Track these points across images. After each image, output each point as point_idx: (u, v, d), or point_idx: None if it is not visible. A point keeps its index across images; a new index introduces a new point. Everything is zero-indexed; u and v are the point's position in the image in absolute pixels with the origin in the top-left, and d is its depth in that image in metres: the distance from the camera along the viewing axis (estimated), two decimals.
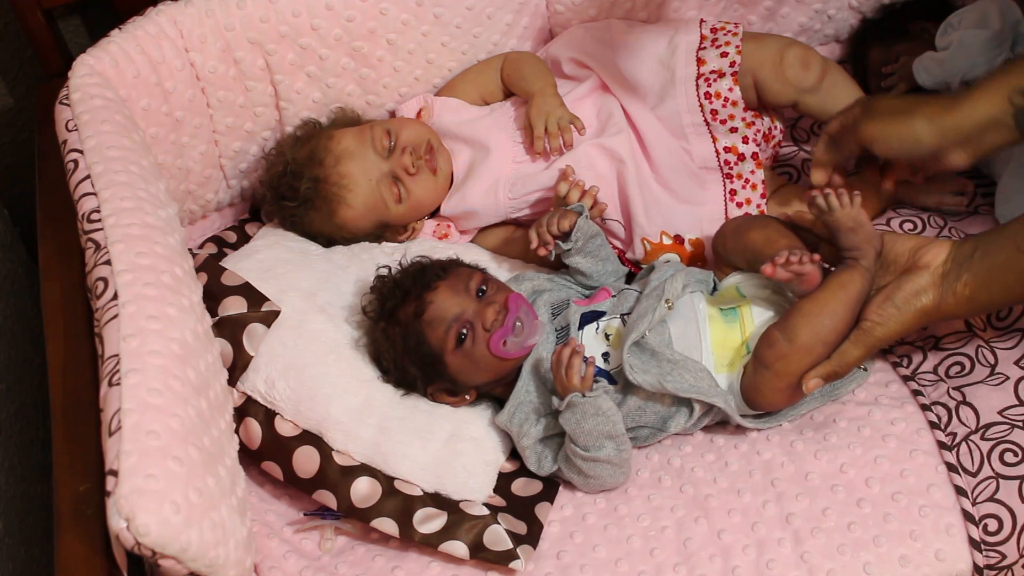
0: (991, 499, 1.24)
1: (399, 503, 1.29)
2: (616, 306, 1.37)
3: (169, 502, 0.94)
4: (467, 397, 1.38)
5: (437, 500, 1.30)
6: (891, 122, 1.29)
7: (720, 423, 1.36)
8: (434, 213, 1.58)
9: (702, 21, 1.57)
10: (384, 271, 1.40)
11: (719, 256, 1.41)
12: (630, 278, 1.49)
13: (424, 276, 1.35)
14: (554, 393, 1.29)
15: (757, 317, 1.33)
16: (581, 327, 1.35)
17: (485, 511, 1.29)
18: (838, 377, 1.28)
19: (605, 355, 1.34)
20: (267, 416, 1.33)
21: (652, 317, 1.30)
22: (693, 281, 1.38)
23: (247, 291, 1.36)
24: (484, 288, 1.34)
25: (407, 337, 1.33)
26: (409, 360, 1.34)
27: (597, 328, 1.35)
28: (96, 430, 1.02)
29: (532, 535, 1.28)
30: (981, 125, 1.23)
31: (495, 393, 1.39)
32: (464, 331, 1.31)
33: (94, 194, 1.17)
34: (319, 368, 1.34)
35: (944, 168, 1.29)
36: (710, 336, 1.33)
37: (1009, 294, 1.22)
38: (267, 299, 1.36)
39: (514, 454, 1.38)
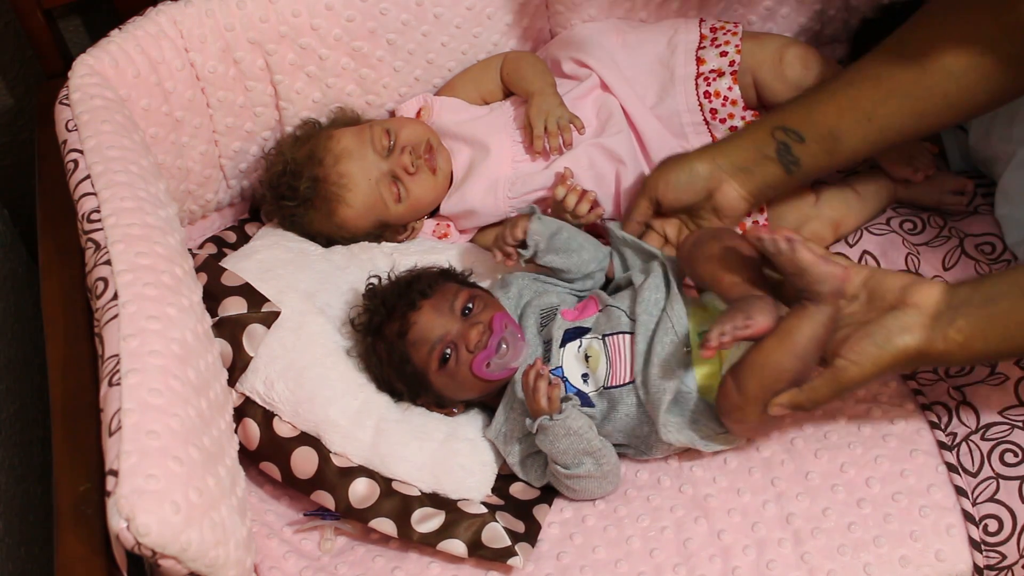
0: (991, 499, 1.24)
1: (397, 503, 1.29)
2: (600, 324, 1.34)
3: (169, 502, 0.94)
4: (455, 410, 1.38)
5: (435, 500, 1.30)
6: (671, 167, 1.38)
7: None
8: (434, 213, 1.58)
9: (702, 20, 1.57)
10: (375, 280, 1.39)
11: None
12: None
13: (409, 294, 1.33)
14: (528, 416, 1.28)
15: None
16: (564, 344, 1.33)
17: (483, 509, 1.29)
18: (804, 411, 1.19)
19: (584, 376, 1.32)
20: (265, 417, 1.33)
21: (680, 374, 1.25)
22: (682, 299, 1.31)
23: (247, 291, 1.36)
24: (470, 306, 1.32)
25: (392, 354, 1.33)
26: (395, 376, 1.34)
27: (579, 346, 1.33)
28: (96, 430, 1.02)
29: (530, 534, 1.28)
30: (749, 157, 1.33)
31: (486, 402, 1.38)
32: (448, 352, 1.30)
33: (94, 194, 1.17)
34: (318, 370, 1.34)
35: (723, 209, 1.37)
36: (695, 366, 1.28)
37: (1009, 344, 1.12)
38: (267, 300, 1.36)
39: None
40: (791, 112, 1.33)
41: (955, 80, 1.24)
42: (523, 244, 1.38)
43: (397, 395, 1.37)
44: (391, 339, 1.32)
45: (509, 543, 1.25)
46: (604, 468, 1.28)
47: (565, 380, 1.31)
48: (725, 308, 1.22)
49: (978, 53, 1.22)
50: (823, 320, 1.14)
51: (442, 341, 1.30)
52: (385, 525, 1.28)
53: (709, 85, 1.51)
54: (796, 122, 1.32)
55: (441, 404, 1.37)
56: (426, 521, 1.27)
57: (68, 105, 1.28)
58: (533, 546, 1.28)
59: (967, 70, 1.23)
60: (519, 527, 1.29)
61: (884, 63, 1.28)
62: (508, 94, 1.61)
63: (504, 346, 1.30)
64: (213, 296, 1.34)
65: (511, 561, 1.25)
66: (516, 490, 1.35)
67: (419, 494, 1.30)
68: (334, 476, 1.30)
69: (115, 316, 1.06)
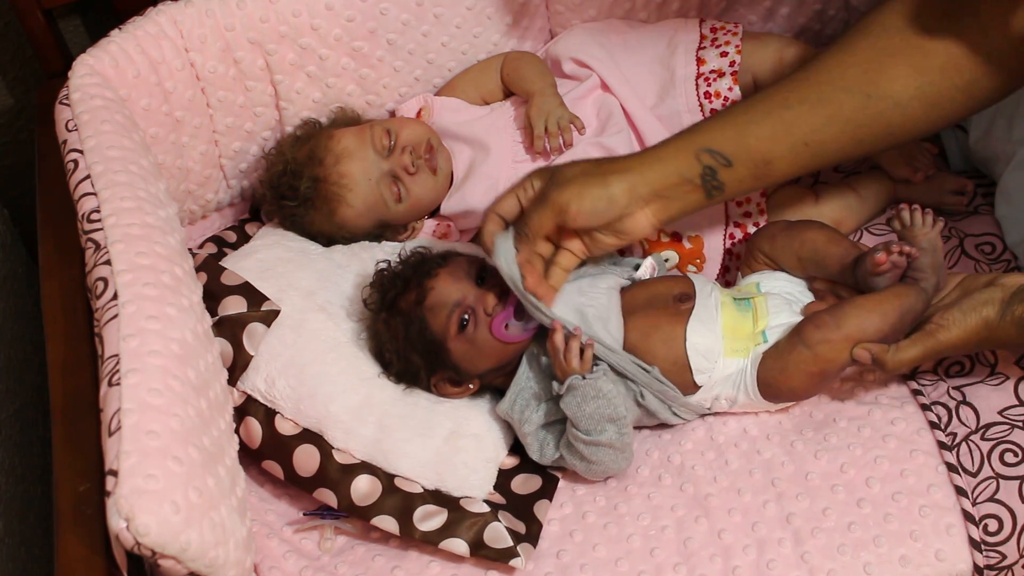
0: (991, 499, 1.24)
1: (399, 501, 1.29)
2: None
3: (169, 502, 0.94)
4: (470, 386, 1.37)
5: (437, 497, 1.30)
6: (586, 188, 1.24)
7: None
8: (434, 213, 1.58)
9: (702, 21, 1.57)
10: (384, 264, 1.40)
11: (757, 253, 1.40)
12: None
13: (425, 265, 1.35)
14: (555, 379, 1.29)
15: (772, 309, 1.33)
16: None
17: (485, 508, 1.29)
18: (884, 367, 1.25)
19: None
20: (267, 415, 1.33)
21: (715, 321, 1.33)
22: None
23: (247, 291, 1.36)
24: (484, 275, 1.34)
25: (409, 325, 1.33)
26: (412, 349, 1.34)
27: None
28: (96, 430, 1.02)
29: (532, 534, 1.28)
30: (671, 182, 1.24)
31: (496, 384, 1.38)
32: (466, 316, 1.31)
33: (94, 194, 1.17)
34: (319, 366, 1.35)
35: (627, 233, 1.27)
36: (721, 322, 1.33)
37: None
38: (267, 298, 1.36)
39: (514, 450, 1.38)
40: (719, 133, 1.25)
41: (901, 110, 1.22)
42: None
43: (411, 375, 1.36)
44: (408, 309, 1.33)
45: (511, 543, 1.25)
46: (624, 439, 1.29)
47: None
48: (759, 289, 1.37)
49: (926, 83, 1.20)
50: (925, 298, 1.27)
51: (460, 305, 1.31)
52: (387, 523, 1.28)
53: (709, 85, 1.51)
54: (725, 145, 1.24)
55: (457, 380, 1.37)
56: (428, 519, 1.28)
57: (68, 105, 1.28)
58: (535, 546, 1.28)
59: (912, 99, 1.21)
60: (520, 528, 1.29)
61: (825, 86, 1.22)
62: (508, 94, 1.61)
63: (521, 309, 1.31)
64: (213, 295, 1.34)
65: (513, 562, 1.25)
66: (517, 484, 1.35)
67: (421, 491, 1.30)
68: (336, 473, 1.30)
69: (115, 316, 1.06)
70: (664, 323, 1.33)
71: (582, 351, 1.27)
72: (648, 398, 1.33)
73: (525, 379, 1.34)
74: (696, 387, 1.33)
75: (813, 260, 1.35)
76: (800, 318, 1.33)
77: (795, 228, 1.38)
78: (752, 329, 1.33)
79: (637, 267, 1.41)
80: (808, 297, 1.37)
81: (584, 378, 1.26)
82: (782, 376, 1.30)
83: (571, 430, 1.29)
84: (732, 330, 1.33)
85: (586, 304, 1.33)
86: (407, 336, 1.33)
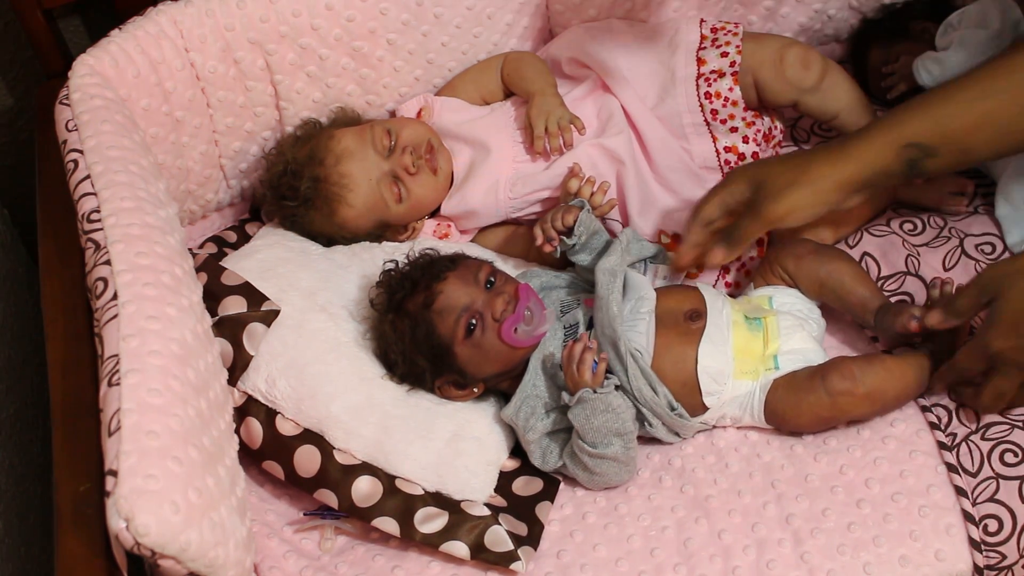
0: (991, 499, 1.24)
1: (400, 502, 1.29)
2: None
3: (169, 502, 0.94)
4: (475, 390, 1.37)
5: (438, 500, 1.30)
6: (799, 196, 1.30)
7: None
8: (434, 213, 1.58)
9: (702, 21, 1.57)
10: (391, 264, 1.40)
11: (776, 268, 1.41)
12: None
13: (433, 267, 1.35)
14: (563, 389, 1.29)
15: (784, 330, 1.33)
16: (590, 327, 1.35)
17: (486, 511, 1.29)
18: (958, 315, 1.24)
19: None
20: (268, 415, 1.33)
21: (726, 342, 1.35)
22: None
23: (247, 291, 1.36)
24: (493, 280, 1.34)
25: (416, 328, 1.33)
26: (418, 352, 1.34)
27: None
28: (96, 430, 1.02)
29: (533, 536, 1.28)
30: (875, 173, 1.28)
31: (501, 388, 1.39)
32: (474, 321, 1.31)
33: (94, 194, 1.17)
34: (320, 367, 1.35)
35: (834, 216, 1.36)
36: (733, 342, 1.33)
37: None
38: (267, 298, 1.36)
39: (515, 452, 1.38)
40: (920, 123, 1.26)
41: None
42: (568, 233, 1.40)
43: (416, 377, 1.36)
44: (415, 312, 1.32)
45: (512, 547, 1.25)
46: (630, 453, 1.29)
47: None
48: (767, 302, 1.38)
49: None
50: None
51: (468, 310, 1.31)
52: (388, 524, 1.28)
53: (710, 86, 1.51)
54: (928, 136, 1.26)
55: (462, 384, 1.36)
56: (429, 521, 1.28)
57: (68, 105, 1.28)
58: (536, 548, 1.28)
59: None
60: (522, 530, 1.29)
61: (1018, 74, 1.23)
62: (509, 94, 1.61)
63: (529, 312, 1.31)
64: (213, 295, 1.34)
65: (513, 566, 1.25)
66: (518, 486, 1.35)
67: (422, 493, 1.30)
68: (337, 474, 1.30)
69: (115, 316, 1.06)
70: (675, 343, 1.33)
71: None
72: (657, 427, 1.33)
73: (531, 386, 1.34)
74: (705, 408, 1.33)
75: (835, 292, 1.37)
76: (814, 344, 1.34)
77: (824, 254, 1.39)
78: (762, 351, 1.33)
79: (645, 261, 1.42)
80: (817, 315, 1.39)
81: (595, 392, 1.26)
82: (793, 411, 1.31)
83: (577, 441, 1.29)
84: (743, 351, 1.33)
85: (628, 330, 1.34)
86: (413, 339, 1.33)
